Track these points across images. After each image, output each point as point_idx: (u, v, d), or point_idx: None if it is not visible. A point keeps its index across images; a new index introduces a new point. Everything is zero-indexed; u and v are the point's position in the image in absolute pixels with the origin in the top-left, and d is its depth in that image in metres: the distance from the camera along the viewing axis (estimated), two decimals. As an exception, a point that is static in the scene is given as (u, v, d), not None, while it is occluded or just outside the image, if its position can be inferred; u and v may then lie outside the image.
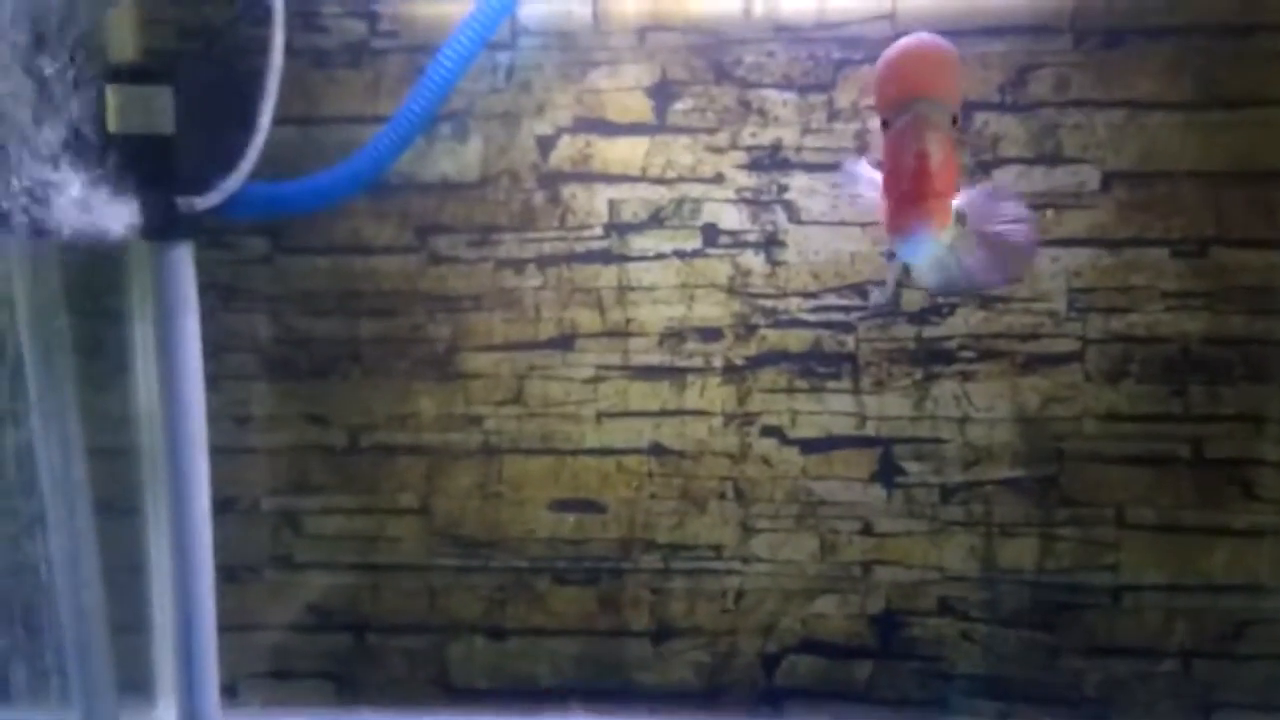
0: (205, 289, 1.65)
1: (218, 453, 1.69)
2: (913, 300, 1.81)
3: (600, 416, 1.87)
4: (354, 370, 1.89)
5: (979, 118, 1.76)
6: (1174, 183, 1.74)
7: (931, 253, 1.32)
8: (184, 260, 1.61)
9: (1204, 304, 1.76)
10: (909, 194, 1.27)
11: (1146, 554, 1.81)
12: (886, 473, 1.84)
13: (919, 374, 1.82)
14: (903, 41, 1.33)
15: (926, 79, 1.28)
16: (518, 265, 1.86)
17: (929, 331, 1.81)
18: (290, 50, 1.62)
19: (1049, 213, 1.77)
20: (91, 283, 1.76)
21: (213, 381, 1.69)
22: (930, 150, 1.25)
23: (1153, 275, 1.76)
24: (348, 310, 1.88)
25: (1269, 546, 1.79)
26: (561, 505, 1.89)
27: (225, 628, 1.72)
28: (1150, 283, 1.77)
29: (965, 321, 1.80)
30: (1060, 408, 1.80)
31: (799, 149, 1.80)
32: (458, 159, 1.84)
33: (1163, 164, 1.74)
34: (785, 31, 1.78)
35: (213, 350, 1.69)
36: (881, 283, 1.76)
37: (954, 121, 1.33)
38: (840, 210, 1.80)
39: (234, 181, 1.58)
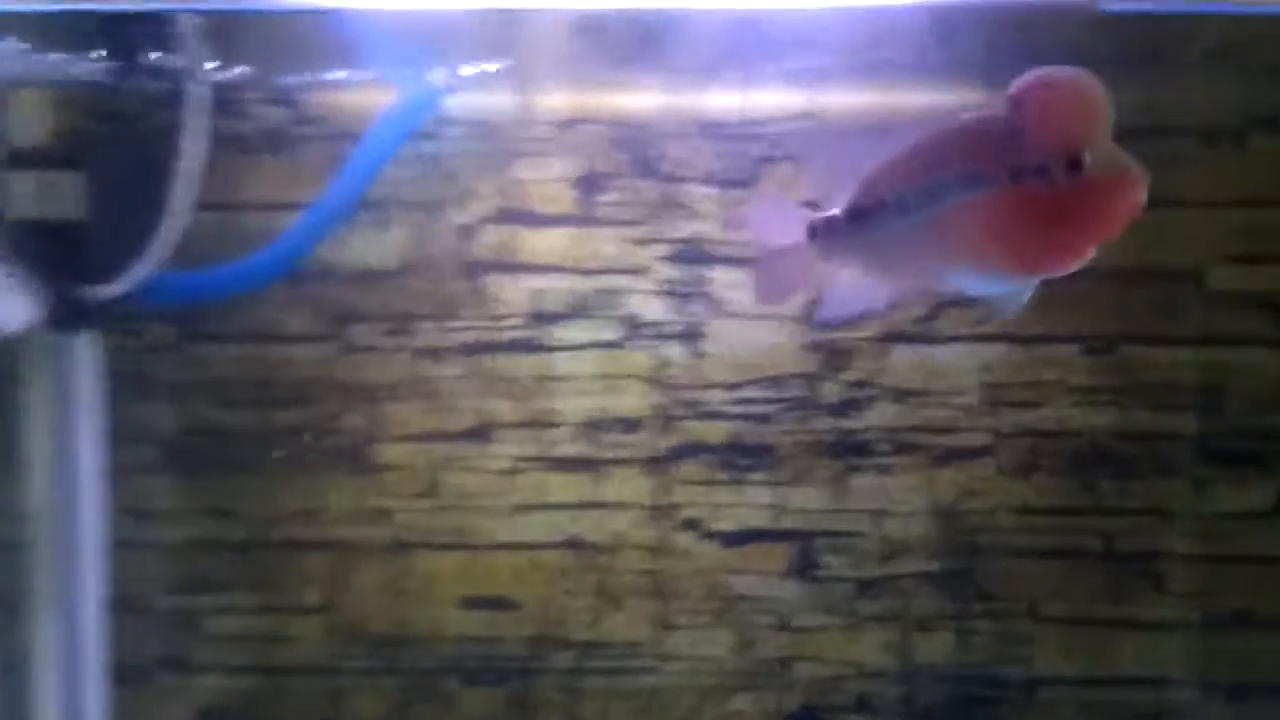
0: (110, 378, 1.58)
1: (116, 548, 1.61)
2: (831, 392, 1.81)
3: (516, 509, 1.83)
4: (262, 463, 1.83)
5: None
6: (1083, 281, 1.75)
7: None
8: (88, 349, 1.56)
9: (1112, 399, 1.80)
10: (1071, 245, 1.11)
11: (1059, 647, 1.83)
12: (804, 566, 1.83)
13: (837, 466, 1.82)
14: (1059, 76, 1.09)
15: (1096, 120, 1.07)
16: (436, 354, 1.82)
17: (846, 424, 1.82)
18: (210, 136, 1.58)
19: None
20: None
21: (114, 474, 1.61)
22: (1106, 202, 1.09)
23: (1063, 371, 1.80)
24: (258, 400, 1.83)
25: (1178, 640, 1.82)
26: (473, 603, 1.84)
27: (115, 734, 1.63)
28: (1060, 378, 1.80)
29: (882, 415, 1.81)
30: (974, 501, 1.82)
31: (721, 243, 1.81)
32: (377, 247, 1.81)
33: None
34: (709, 128, 1.80)
35: (114, 441, 1.62)
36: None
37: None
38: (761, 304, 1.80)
39: (144, 269, 1.52)
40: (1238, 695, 1.81)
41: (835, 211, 1.18)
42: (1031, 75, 1.08)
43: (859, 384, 1.82)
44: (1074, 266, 1.12)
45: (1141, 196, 1.08)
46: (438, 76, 1.69)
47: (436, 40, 1.67)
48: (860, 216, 1.16)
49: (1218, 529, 1.80)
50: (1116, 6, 1.56)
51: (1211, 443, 1.80)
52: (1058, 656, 1.83)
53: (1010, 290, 1.16)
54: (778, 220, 1.26)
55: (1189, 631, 1.82)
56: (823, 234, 1.19)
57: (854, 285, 1.22)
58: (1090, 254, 1.11)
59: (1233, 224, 1.77)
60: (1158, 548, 1.81)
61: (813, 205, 1.21)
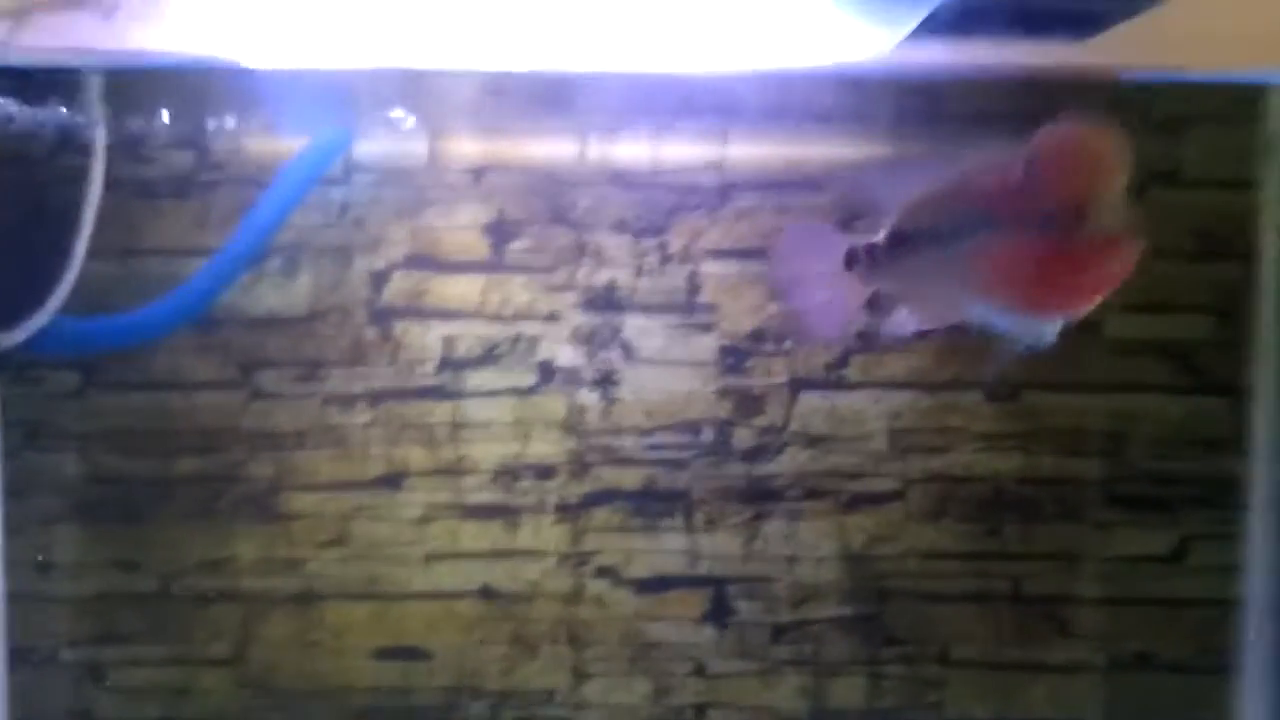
0: (9, 426, 1.55)
1: (15, 600, 1.57)
2: (744, 439, 1.83)
3: (429, 558, 1.82)
4: (168, 512, 1.80)
5: None
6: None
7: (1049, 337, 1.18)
8: (-14, 396, 1.52)
9: (1017, 445, 1.82)
10: (1077, 295, 1.12)
11: (970, 691, 1.84)
12: (719, 612, 1.83)
13: (749, 512, 1.83)
14: (1077, 131, 1.09)
15: (1108, 176, 1.09)
16: (346, 401, 1.81)
17: (758, 470, 1.83)
18: (114, 181, 1.57)
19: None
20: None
21: (13, 525, 1.57)
22: (1109, 258, 1.11)
23: (968, 418, 1.83)
24: (163, 449, 1.80)
25: (1084, 682, 1.84)
26: (386, 653, 1.81)
27: (14, 793, 1.59)
28: (966, 424, 1.83)
29: (792, 460, 1.83)
30: (885, 546, 1.83)
31: (634, 290, 1.82)
32: (286, 293, 1.80)
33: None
34: (620, 177, 1.81)
35: (15, 492, 1.59)
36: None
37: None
38: (674, 350, 1.82)
39: (42, 317, 1.49)
40: None
41: (877, 238, 1.20)
42: (1052, 126, 1.08)
43: (770, 430, 1.83)
44: (1076, 313, 1.13)
45: (1130, 259, 1.09)
46: (348, 125, 1.68)
47: (348, 89, 1.67)
48: (900, 244, 1.18)
49: (1121, 572, 1.83)
50: (1138, 77, 1.61)
51: (1114, 488, 1.83)
52: (968, 700, 1.84)
53: (1030, 328, 1.15)
54: (815, 246, 1.26)
55: (1094, 674, 1.84)
56: (865, 260, 1.20)
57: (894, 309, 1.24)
58: (1091, 303, 1.11)
59: (1133, 274, 1.79)
60: (1064, 591, 1.83)
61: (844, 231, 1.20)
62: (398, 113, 1.70)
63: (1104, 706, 1.84)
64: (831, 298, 1.26)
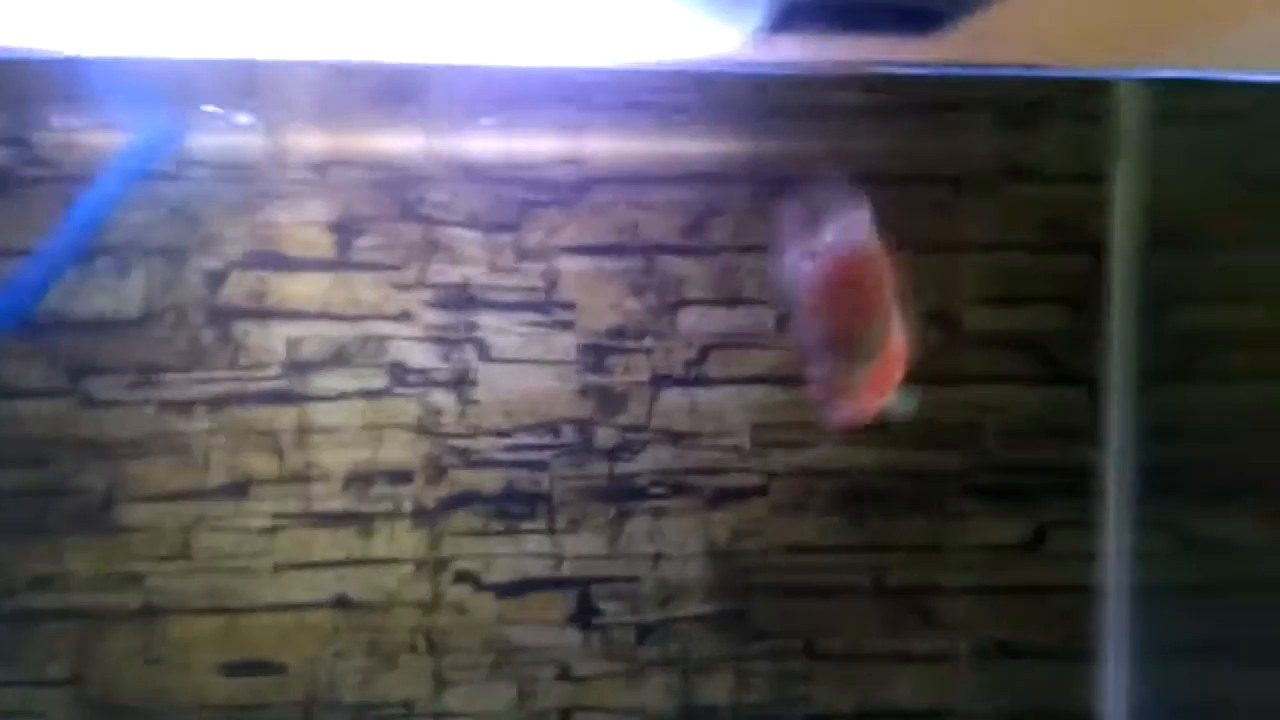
0: None
1: None
2: (606, 438, 1.80)
3: (278, 569, 1.76)
4: (-6, 528, 1.71)
5: (662, 260, 1.79)
6: None
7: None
8: None
9: (876, 438, 1.81)
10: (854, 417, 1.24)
11: (836, 682, 1.84)
12: (583, 614, 1.81)
13: (612, 511, 1.80)
14: (835, 266, 1.16)
15: (863, 313, 1.16)
16: (184, 407, 1.74)
17: (621, 468, 1.80)
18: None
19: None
20: None
21: None
22: (876, 383, 1.22)
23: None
24: (-13, 461, 1.70)
25: (950, 671, 1.85)
26: (235, 668, 1.75)
27: None
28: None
29: (655, 458, 1.80)
30: (748, 541, 1.82)
31: (488, 287, 1.78)
32: (116, 295, 1.72)
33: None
34: (471, 171, 1.76)
35: None
36: None
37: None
38: (531, 348, 1.79)
39: None
40: None
41: None
42: (817, 253, 1.16)
43: (632, 428, 1.80)
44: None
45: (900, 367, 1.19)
46: (181, 119, 1.59)
47: (182, 82, 1.58)
48: None
49: (981, 561, 1.84)
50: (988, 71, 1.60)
51: (973, 478, 1.84)
52: (835, 692, 1.84)
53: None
54: None
55: (959, 662, 1.85)
56: None
57: None
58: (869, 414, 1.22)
59: (987, 267, 1.81)
60: (926, 581, 1.84)
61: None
62: (240, 116, 1.62)
63: (969, 694, 1.85)
64: None
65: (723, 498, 1.82)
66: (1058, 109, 1.79)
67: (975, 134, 1.80)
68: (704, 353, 1.80)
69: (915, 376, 1.27)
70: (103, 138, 1.65)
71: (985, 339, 1.82)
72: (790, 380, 1.81)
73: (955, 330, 1.82)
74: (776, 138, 1.77)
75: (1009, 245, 1.82)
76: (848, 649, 1.84)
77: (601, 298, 1.78)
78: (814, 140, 1.77)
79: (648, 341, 1.80)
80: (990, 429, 1.83)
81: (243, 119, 1.65)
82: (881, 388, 1.21)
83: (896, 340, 1.20)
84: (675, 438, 1.81)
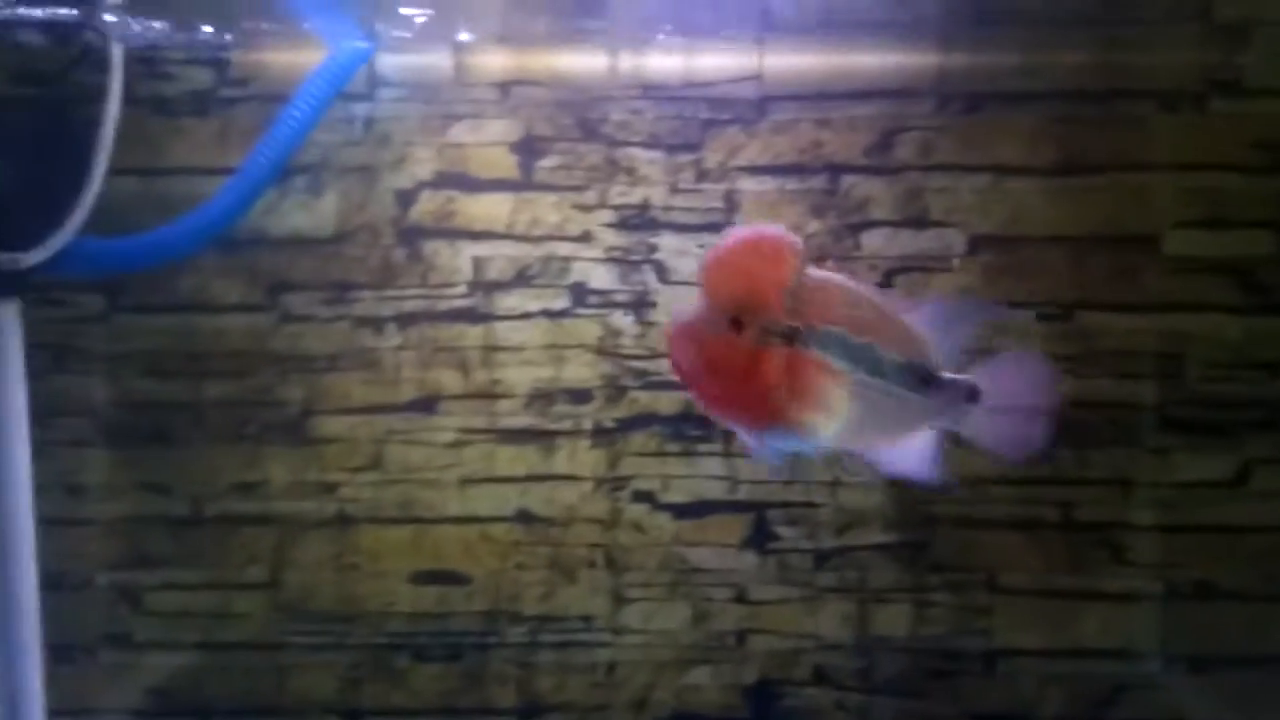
0: (34, 349, 1.53)
1: (48, 525, 1.56)
2: (784, 362, 1.78)
3: (464, 482, 1.80)
4: (198, 435, 1.80)
5: (847, 179, 1.75)
6: (1038, 247, 1.75)
7: (801, 448, 1.19)
8: (8, 319, 1.50)
9: (1069, 367, 1.76)
10: (747, 411, 1.14)
11: (1019, 619, 1.80)
12: (759, 538, 1.80)
13: (790, 437, 1.79)
14: (730, 242, 1.12)
15: (743, 294, 1.10)
16: (376, 324, 1.79)
17: (800, 394, 1.78)
18: (132, 98, 1.54)
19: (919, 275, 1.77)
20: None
21: (42, 448, 1.56)
22: (764, 372, 1.11)
23: (1019, 338, 1.74)
24: (192, 372, 1.79)
25: (1140, 611, 1.79)
26: (423, 577, 1.81)
27: (56, 712, 1.59)
28: (1017, 346, 1.75)
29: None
30: (931, 471, 1.79)
31: (667, 208, 1.77)
32: (312, 213, 1.77)
33: (1027, 228, 1.75)
34: (652, 90, 1.75)
35: (43, 415, 1.58)
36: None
37: (792, 333, 1.13)
38: None
39: (64, 236, 1.47)
40: (1199, 666, 1.79)
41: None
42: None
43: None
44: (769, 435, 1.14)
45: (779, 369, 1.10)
46: (370, 31, 1.63)
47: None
48: None
49: (1179, 499, 1.77)
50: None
51: (1172, 411, 1.76)
52: (1017, 629, 1.80)
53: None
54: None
55: (1150, 602, 1.79)
56: None
57: None
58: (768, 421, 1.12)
59: (1192, 188, 1.73)
60: (1118, 518, 1.78)
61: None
62: (416, 14, 1.63)
63: (1160, 636, 1.79)
64: None
65: None
66: (1269, 20, 1.69)
67: (1181, 46, 1.71)
68: (888, 276, 1.76)
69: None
70: (297, 56, 1.69)
71: (1187, 264, 1.74)
72: None
73: (1155, 254, 1.74)
74: (965, 50, 1.71)
75: (1214, 165, 1.73)
76: (1032, 584, 1.79)
77: (783, 219, 1.75)
78: (1006, 53, 1.71)
79: (830, 264, 1.76)
80: (1191, 359, 1.76)
81: (427, 37, 1.66)
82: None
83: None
84: None
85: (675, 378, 1.16)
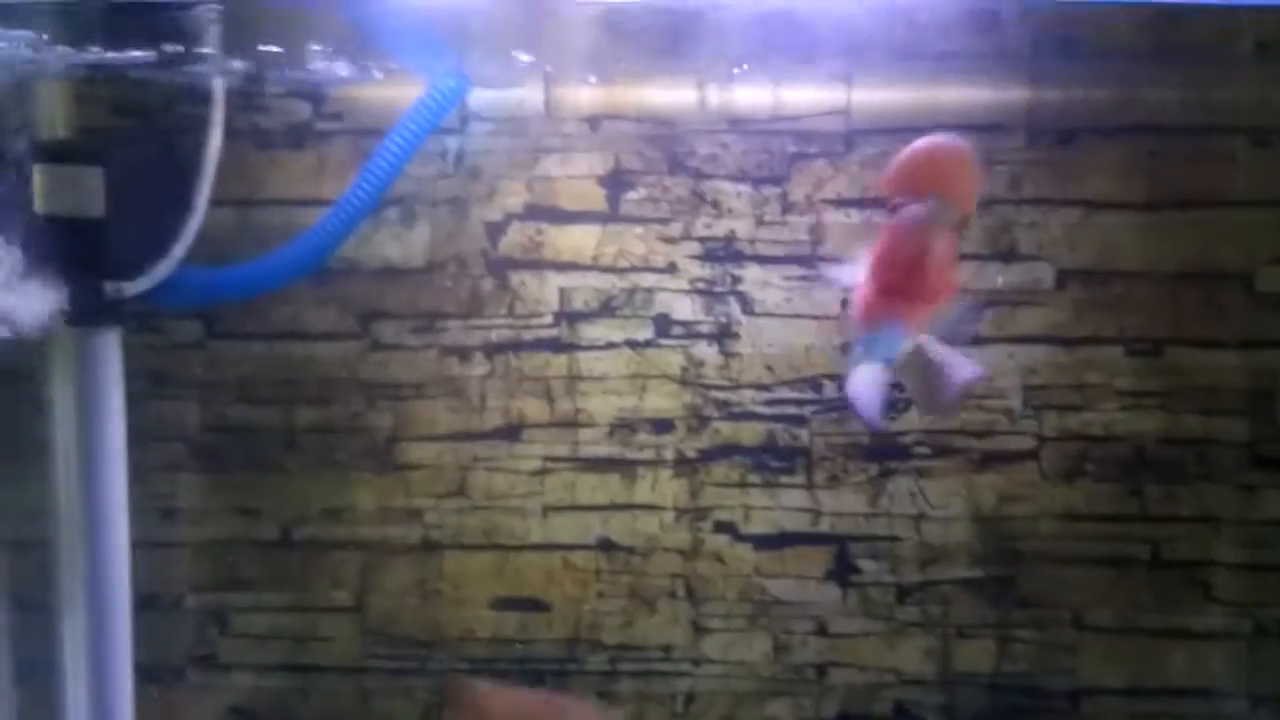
0: (133, 375, 1.57)
1: (141, 547, 1.59)
2: (868, 395, 1.77)
3: (547, 510, 1.81)
4: (288, 461, 1.82)
5: None
6: (1128, 281, 1.74)
7: (895, 352, 1.26)
8: (110, 346, 1.54)
9: (1159, 403, 1.75)
10: (899, 287, 1.21)
11: (1105, 657, 1.78)
12: (841, 571, 1.80)
13: (874, 470, 1.79)
14: (928, 138, 1.25)
15: (946, 176, 1.23)
16: (463, 353, 1.81)
17: (883, 426, 1.78)
18: (231, 130, 1.57)
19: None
20: (11, 369, 1.68)
21: (138, 472, 1.60)
22: (932, 249, 1.20)
23: (1108, 373, 1.75)
24: (283, 399, 1.81)
25: (1227, 650, 1.77)
26: (505, 604, 1.82)
27: (145, 732, 1.62)
28: (1105, 381, 1.76)
29: (921, 417, 1.77)
30: (1016, 506, 1.78)
31: (752, 241, 1.78)
32: (403, 244, 1.79)
33: (1117, 263, 1.74)
34: (739, 124, 1.76)
35: (139, 439, 1.61)
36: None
37: (962, 225, 1.27)
38: (794, 303, 1.78)
39: (166, 266, 1.50)
40: None
41: None
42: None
43: (895, 385, 1.75)
44: (894, 309, 1.22)
45: (930, 247, 1.19)
46: (465, 68, 1.65)
47: (460, 33, 1.64)
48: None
49: (1267, 536, 1.75)
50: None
51: (1261, 448, 1.74)
52: (1103, 667, 1.78)
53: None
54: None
55: (1238, 641, 1.77)
56: None
57: None
58: (911, 295, 1.20)
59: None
60: (1206, 555, 1.76)
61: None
62: (521, 55, 1.65)
63: (1248, 675, 1.77)
64: None
65: (991, 460, 1.78)
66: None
67: (1273, 80, 1.69)
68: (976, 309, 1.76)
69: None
70: (392, 90, 1.71)
71: (1278, 301, 1.72)
72: (1068, 341, 1.76)
73: (1247, 290, 1.73)
74: (1055, 84, 1.71)
75: None
76: (1119, 623, 1.78)
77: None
78: (1097, 87, 1.70)
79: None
80: None
81: (524, 58, 1.67)
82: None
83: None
84: None
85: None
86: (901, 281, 1.21)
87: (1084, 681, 1.78)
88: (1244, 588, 1.76)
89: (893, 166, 1.24)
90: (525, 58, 1.63)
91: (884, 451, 1.78)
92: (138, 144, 1.63)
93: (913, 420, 1.78)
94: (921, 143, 1.24)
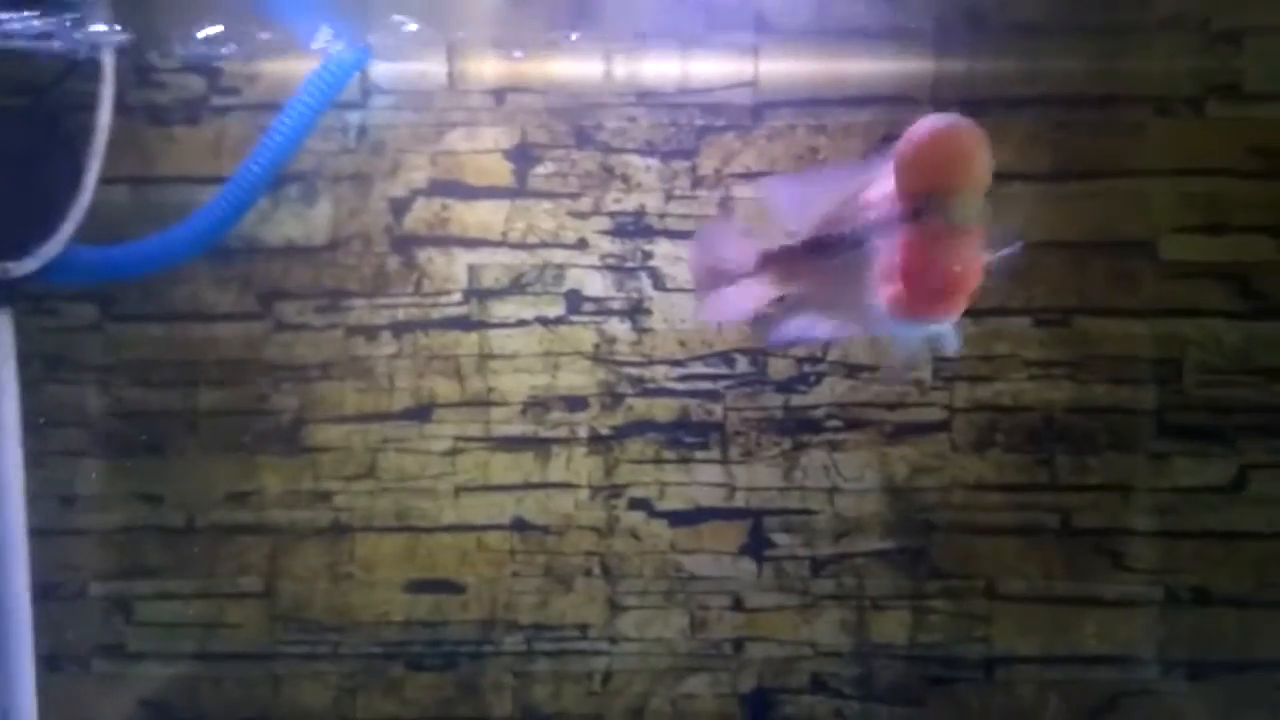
0: (27, 359, 1.52)
1: (41, 535, 1.56)
2: (779, 369, 1.77)
3: (459, 491, 1.79)
4: (191, 445, 1.79)
5: None
6: (1035, 252, 1.73)
7: (930, 335, 1.21)
8: (0, 329, 1.49)
9: (1067, 373, 1.75)
10: (941, 290, 1.13)
11: (1018, 626, 1.79)
12: (756, 545, 1.79)
13: (787, 443, 1.78)
14: (937, 122, 1.13)
15: (962, 169, 1.12)
16: (370, 332, 1.78)
17: (796, 400, 1.77)
18: (123, 106, 1.53)
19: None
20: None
21: (36, 458, 1.55)
22: (964, 252, 1.12)
23: (1016, 344, 1.76)
24: (185, 381, 1.78)
25: (1140, 617, 1.78)
26: (418, 586, 1.80)
27: (48, 724, 1.58)
28: (1014, 351, 1.76)
29: (832, 390, 1.77)
30: (928, 478, 1.78)
31: (663, 215, 1.76)
32: (305, 222, 1.76)
33: (1024, 233, 1.72)
34: (647, 97, 1.74)
35: (36, 425, 1.57)
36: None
37: (984, 215, 1.16)
38: None
39: (54, 245, 1.46)
40: (1197, 673, 1.78)
41: (791, 244, 1.21)
42: (914, 125, 1.10)
43: (808, 359, 1.77)
44: (944, 307, 1.13)
45: (965, 253, 1.10)
46: (360, 37, 1.62)
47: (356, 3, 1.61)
48: (809, 251, 1.20)
49: (1177, 504, 1.76)
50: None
51: (1169, 416, 1.75)
52: (1016, 635, 1.79)
53: (917, 330, 1.17)
54: (731, 245, 1.27)
55: (1150, 608, 1.78)
56: (777, 263, 1.23)
57: (798, 313, 1.25)
58: (952, 296, 1.11)
59: (1189, 193, 1.72)
60: (1116, 524, 1.77)
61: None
62: (409, 24, 1.62)
63: (1159, 642, 1.78)
64: (739, 294, 1.27)
65: (902, 432, 1.77)
66: (1265, 23, 1.68)
67: (1178, 51, 1.71)
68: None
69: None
70: (291, 64, 1.68)
71: (1184, 269, 1.73)
72: (976, 311, 1.74)
73: (1152, 260, 1.73)
74: (961, 56, 1.70)
75: (1212, 170, 1.72)
76: (1031, 591, 1.79)
77: (779, 225, 1.74)
78: (1002, 58, 1.70)
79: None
80: (1188, 365, 1.74)
81: (411, 27, 1.64)
82: (955, 278, 1.12)
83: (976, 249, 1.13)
84: (852, 370, 1.77)
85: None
86: (945, 289, 1.13)
87: (998, 650, 1.79)
88: (1154, 555, 1.77)
89: (901, 162, 1.12)
90: (413, 26, 1.60)
91: (797, 425, 1.78)
92: (23, 121, 1.58)
93: (825, 393, 1.77)
94: (926, 133, 1.12)
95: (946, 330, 1.19)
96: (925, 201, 1.10)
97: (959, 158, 1.11)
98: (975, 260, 1.12)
